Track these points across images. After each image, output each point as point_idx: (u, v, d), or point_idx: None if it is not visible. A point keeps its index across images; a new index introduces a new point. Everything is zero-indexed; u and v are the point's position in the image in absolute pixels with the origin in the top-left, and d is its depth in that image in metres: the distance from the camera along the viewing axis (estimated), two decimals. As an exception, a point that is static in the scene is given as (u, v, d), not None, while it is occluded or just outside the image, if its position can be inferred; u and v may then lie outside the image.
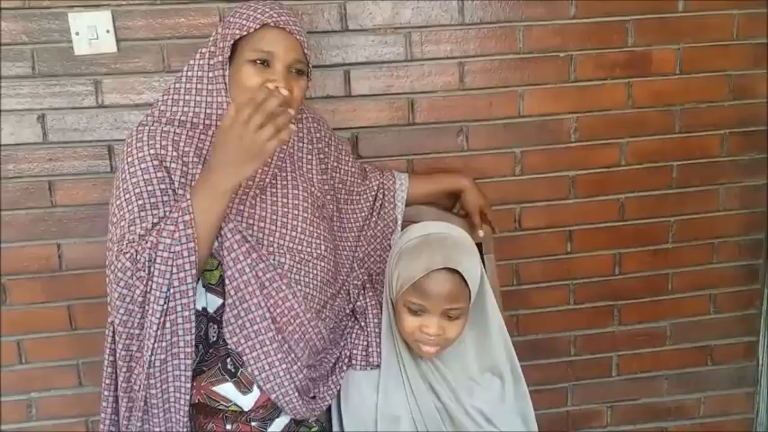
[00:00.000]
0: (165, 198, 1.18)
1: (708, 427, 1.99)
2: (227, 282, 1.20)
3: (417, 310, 1.28)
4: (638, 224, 1.82)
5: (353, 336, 1.42)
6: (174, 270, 1.13)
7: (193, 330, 1.17)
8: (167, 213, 1.17)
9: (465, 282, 1.26)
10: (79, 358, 1.71)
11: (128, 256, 1.13)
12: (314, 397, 1.32)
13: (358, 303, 1.45)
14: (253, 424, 1.26)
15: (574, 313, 1.86)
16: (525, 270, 1.82)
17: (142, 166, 1.19)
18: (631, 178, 1.78)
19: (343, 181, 1.49)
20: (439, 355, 1.36)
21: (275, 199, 1.27)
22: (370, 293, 1.45)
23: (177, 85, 1.28)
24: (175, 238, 1.12)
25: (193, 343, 1.18)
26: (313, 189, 1.34)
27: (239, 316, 1.21)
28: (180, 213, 1.12)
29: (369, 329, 1.42)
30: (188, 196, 1.14)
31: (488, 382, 1.40)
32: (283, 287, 1.23)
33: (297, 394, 1.26)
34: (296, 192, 1.30)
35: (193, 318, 1.16)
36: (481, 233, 1.62)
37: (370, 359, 1.40)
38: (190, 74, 1.28)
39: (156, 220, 1.17)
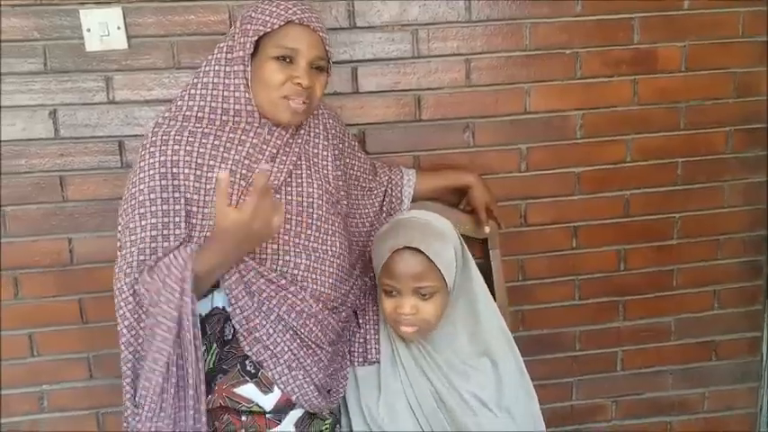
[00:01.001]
0: (165, 207, 1.20)
1: (711, 422, 2.00)
2: (231, 302, 1.22)
3: (391, 291, 1.34)
4: (643, 220, 1.83)
5: (351, 333, 1.45)
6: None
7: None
8: (168, 228, 1.20)
9: (432, 260, 1.31)
10: (90, 351, 1.73)
11: (128, 284, 1.19)
12: (329, 391, 1.34)
13: (362, 300, 1.47)
14: (268, 416, 1.28)
15: (579, 309, 1.87)
16: (531, 266, 1.83)
17: (150, 172, 1.22)
18: (637, 175, 1.80)
19: (357, 177, 1.50)
20: (428, 339, 1.41)
21: (290, 198, 1.28)
22: (374, 292, 1.48)
23: (195, 80, 1.29)
24: (173, 303, 1.13)
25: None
26: (329, 186, 1.34)
27: (251, 331, 1.23)
28: (179, 284, 1.12)
29: (367, 326, 1.45)
30: (189, 266, 1.12)
31: (483, 366, 1.43)
32: (290, 294, 1.24)
33: (317, 393, 1.28)
34: (311, 189, 1.30)
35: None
36: (487, 229, 1.64)
37: (369, 356, 1.44)
38: (207, 69, 1.28)
39: (153, 241, 1.20)
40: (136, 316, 1.20)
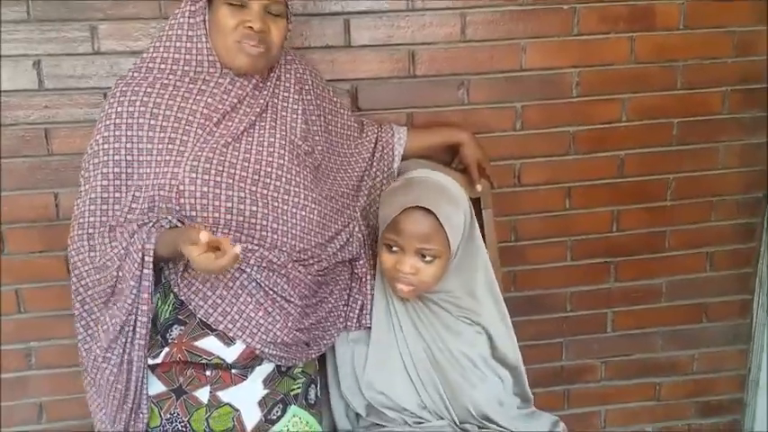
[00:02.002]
0: (117, 158, 1.24)
1: (700, 383, 2.01)
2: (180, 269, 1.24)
3: (393, 247, 1.33)
4: (637, 181, 1.82)
5: (351, 298, 1.43)
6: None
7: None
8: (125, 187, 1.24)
9: (441, 224, 1.29)
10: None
11: (76, 247, 1.25)
12: (308, 344, 1.33)
13: (360, 262, 1.45)
14: (233, 371, 1.26)
15: (571, 270, 1.86)
16: (523, 226, 1.82)
17: (107, 122, 1.25)
18: (632, 134, 1.77)
19: (340, 134, 1.47)
20: (424, 298, 1.41)
21: (249, 147, 1.26)
22: (370, 252, 1.46)
23: (161, 33, 1.30)
24: (135, 275, 1.19)
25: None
26: (294, 138, 1.32)
27: (205, 299, 1.23)
28: (141, 261, 1.18)
29: (365, 291, 1.44)
30: (152, 242, 1.18)
31: (476, 328, 1.44)
32: (248, 251, 1.23)
33: (284, 347, 1.27)
34: (272, 140, 1.29)
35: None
36: (479, 188, 1.62)
37: (363, 321, 1.43)
38: (173, 21, 1.29)
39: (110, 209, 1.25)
40: (92, 277, 1.25)
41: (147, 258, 1.17)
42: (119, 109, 1.24)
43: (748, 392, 2.05)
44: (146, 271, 1.18)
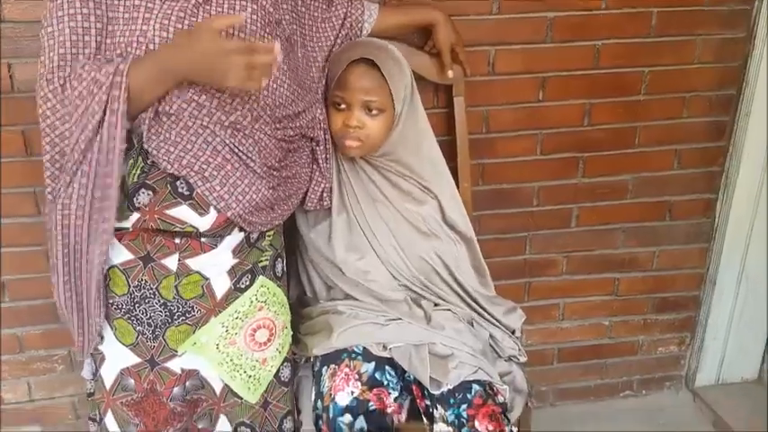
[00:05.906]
0: (85, 11, 1.14)
1: (659, 279, 2.06)
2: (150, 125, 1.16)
3: (340, 103, 1.39)
4: (612, 73, 1.78)
5: (314, 181, 1.43)
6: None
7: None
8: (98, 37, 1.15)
9: (385, 78, 1.35)
10: (36, 186, 1.66)
11: (52, 90, 1.14)
12: (272, 207, 1.31)
13: (321, 147, 1.43)
14: (203, 240, 1.25)
15: (540, 163, 1.86)
16: (495, 117, 1.79)
17: None
18: (610, 23, 1.72)
19: (307, 5, 1.41)
20: (374, 164, 1.47)
21: (221, 10, 1.19)
22: (330, 138, 1.44)
23: None
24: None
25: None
26: (265, 3, 1.25)
27: (177, 141, 1.17)
28: (113, 78, 1.09)
29: (327, 175, 1.44)
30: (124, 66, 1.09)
31: (426, 198, 1.50)
32: (221, 112, 1.18)
33: (253, 210, 1.25)
34: (244, 3, 1.22)
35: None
36: (451, 73, 1.58)
37: (324, 202, 1.46)
38: None
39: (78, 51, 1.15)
40: (66, 126, 1.15)
41: (115, 93, 1.08)
42: None
43: (705, 290, 2.11)
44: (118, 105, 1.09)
